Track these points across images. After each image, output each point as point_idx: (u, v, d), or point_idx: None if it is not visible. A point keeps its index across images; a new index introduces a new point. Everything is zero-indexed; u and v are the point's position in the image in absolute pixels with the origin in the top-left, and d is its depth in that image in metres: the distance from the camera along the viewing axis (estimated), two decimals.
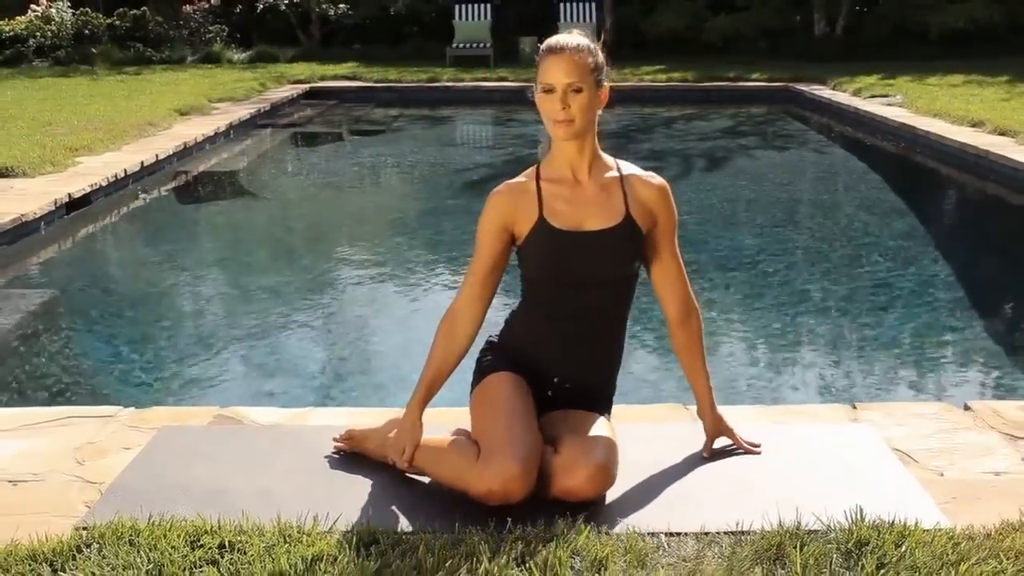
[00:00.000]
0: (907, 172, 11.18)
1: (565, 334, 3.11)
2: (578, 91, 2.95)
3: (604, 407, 3.20)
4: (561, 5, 20.98)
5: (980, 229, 8.93)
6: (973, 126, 11.11)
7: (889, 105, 13.60)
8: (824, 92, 15.59)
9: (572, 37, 3.00)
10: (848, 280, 6.81)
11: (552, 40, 3.01)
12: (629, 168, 3.14)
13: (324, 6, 21.39)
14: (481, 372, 3.17)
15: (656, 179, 3.14)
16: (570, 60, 2.94)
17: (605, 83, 3.03)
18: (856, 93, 14.89)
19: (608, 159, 3.13)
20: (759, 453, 3.28)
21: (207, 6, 21.33)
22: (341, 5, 21.33)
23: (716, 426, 3.30)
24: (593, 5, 20.99)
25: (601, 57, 3.02)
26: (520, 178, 3.13)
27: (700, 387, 3.28)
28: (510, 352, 3.17)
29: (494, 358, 3.17)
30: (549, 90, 2.95)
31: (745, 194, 9.92)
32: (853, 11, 20.66)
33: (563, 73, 2.94)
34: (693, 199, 9.27)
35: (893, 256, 7.40)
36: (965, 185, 10.27)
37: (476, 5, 21.28)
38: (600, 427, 3.06)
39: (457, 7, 21.18)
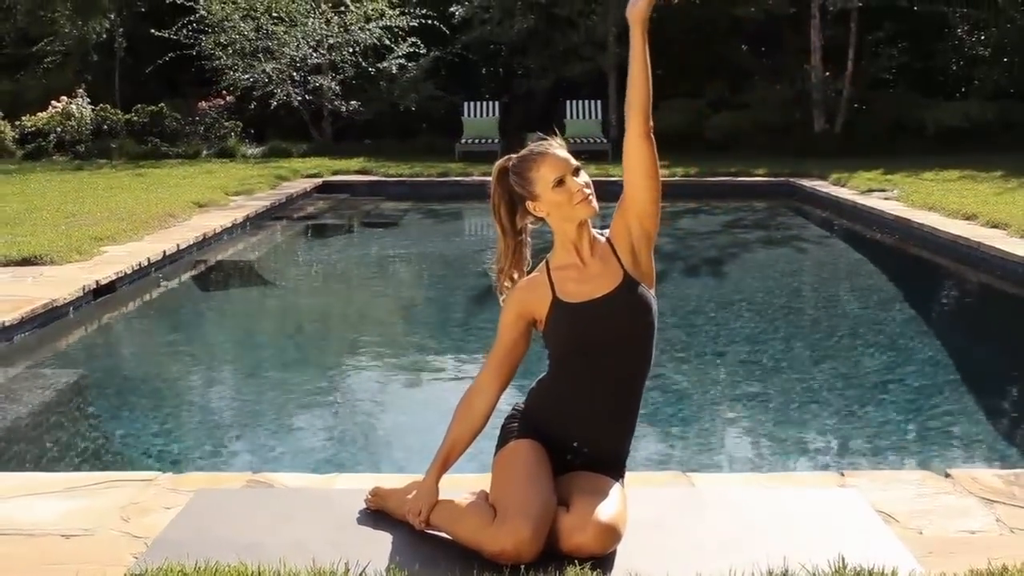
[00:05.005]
0: (902, 263, 11.51)
1: (586, 401, 3.39)
2: (578, 171, 3.35)
3: (618, 473, 3.44)
4: (567, 103, 21.57)
5: (970, 315, 9.27)
6: (967, 219, 11.43)
7: (886, 199, 13.97)
8: (824, 186, 15.97)
9: (541, 142, 3.39)
10: (844, 362, 7.08)
11: (534, 149, 3.38)
12: (607, 232, 3.47)
13: (336, 103, 21.99)
14: (505, 437, 3.45)
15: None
16: (559, 153, 3.35)
17: None
18: (854, 187, 15.28)
19: (596, 234, 3.47)
20: None
21: (222, 103, 21.93)
22: (353, 102, 21.92)
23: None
24: (598, 103, 21.56)
25: None
26: (534, 273, 3.51)
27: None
28: (533, 419, 3.45)
29: (518, 425, 3.45)
30: (561, 182, 3.31)
31: (748, 282, 10.25)
32: (851, 108, 21.22)
33: (563, 163, 3.32)
34: (698, 288, 9.60)
35: (888, 341, 7.70)
36: (957, 275, 10.59)
37: (484, 102, 21.91)
38: (611, 489, 3.32)
39: (466, 104, 21.79)
